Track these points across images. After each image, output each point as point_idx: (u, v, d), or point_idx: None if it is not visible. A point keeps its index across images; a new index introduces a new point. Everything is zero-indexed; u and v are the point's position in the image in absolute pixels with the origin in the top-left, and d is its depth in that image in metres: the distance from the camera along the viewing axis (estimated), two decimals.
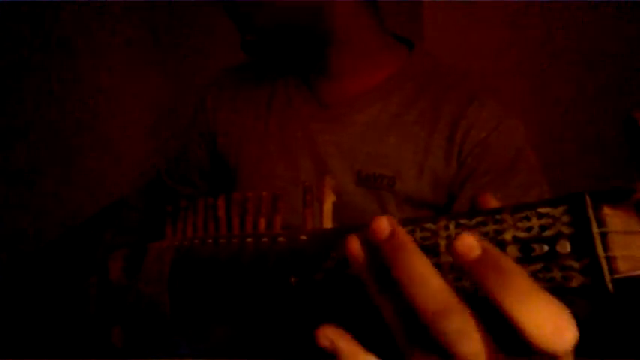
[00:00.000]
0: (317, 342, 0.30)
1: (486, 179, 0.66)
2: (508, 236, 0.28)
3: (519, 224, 0.27)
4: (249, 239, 0.41)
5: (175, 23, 1.46)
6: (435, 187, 0.69)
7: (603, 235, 0.25)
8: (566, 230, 0.26)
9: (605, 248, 0.25)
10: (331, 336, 0.30)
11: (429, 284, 0.26)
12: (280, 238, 0.39)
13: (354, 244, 0.30)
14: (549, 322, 0.23)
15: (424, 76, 0.74)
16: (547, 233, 0.26)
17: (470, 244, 0.25)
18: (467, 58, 1.30)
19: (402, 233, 0.28)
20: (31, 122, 1.18)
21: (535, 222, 0.27)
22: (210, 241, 0.44)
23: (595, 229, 0.25)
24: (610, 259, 0.25)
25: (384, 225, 0.28)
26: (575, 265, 0.25)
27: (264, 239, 0.40)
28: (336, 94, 0.76)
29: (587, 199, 0.26)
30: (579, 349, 0.24)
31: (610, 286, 0.24)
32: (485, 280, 0.24)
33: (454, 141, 0.68)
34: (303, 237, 0.38)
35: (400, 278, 0.26)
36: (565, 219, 0.26)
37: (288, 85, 0.81)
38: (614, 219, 0.25)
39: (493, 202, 0.32)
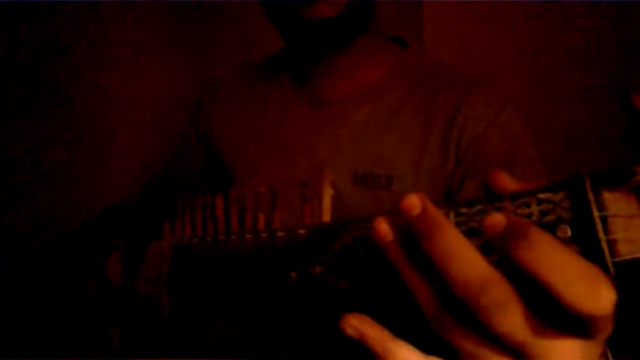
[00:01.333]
0: (343, 332, 0.30)
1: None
2: None
3: (519, 210, 0.27)
4: (249, 235, 0.41)
5: (178, 23, 1.46)
6: (433, 185, 0.68)
7: (604, 219, 0.25)
8: (566, 215, 0.26)
9: (606, 232, 0.25)
10: (356, 324, 0.30)
11: (465, 259, 0.25)
12: (279, 233, 0.39)
13: (382, 225, 0.29)
14: (581, 281, 0.23)
15: (418, 73, 0.74)
16: (548, 219, 0.26)
17: (496, 220, 0.25)
18: (467, 58, 1.30)
19: (433, 209, 0.27)
20: (31, 122, 1.18)
21: (535, 208, 0.27)
22: (209, 239, 0.44)
23: (595, 213, 0.25)
24: (611, 243, 0.24)
25: (414, 202, 0.27)
26: (576, 249, 0.25)
27: (264, 235, 0.40)
28: (330, 93, 0.76)
29: (587, 183, 0.25)
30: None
31: (611, 269, 0.24)
32: (514, 248, 0.24)
33: (450, 137, 0.68)
34: (302, 231, 0.38)
35: (435, 255, 0.26)
36: (565, 204, 0.26)
37: (283, 85, 0.80)
38: (614, 202, 0.25)
39: (507, 180, 0.31)
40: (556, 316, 0.24)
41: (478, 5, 1.40)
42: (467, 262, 0.25)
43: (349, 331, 0.30)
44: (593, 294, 0.22)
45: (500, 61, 1.38)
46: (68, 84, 1.27)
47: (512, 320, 0.24)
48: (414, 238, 0.27)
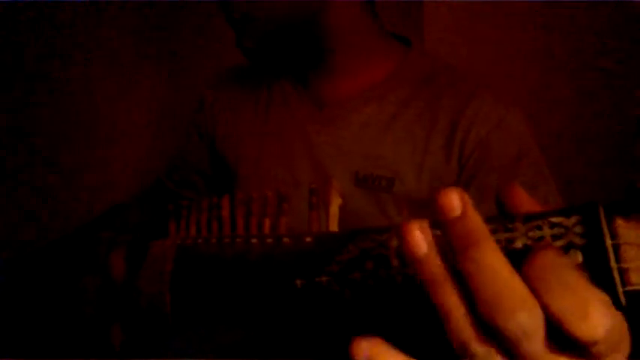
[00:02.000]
0: (352, 358, 0.26)
1: (491, 178, 0.65)
2: (519, 244, 0.27)
3: (531, 233, 0.27)
4: (254, 240, 0.41)
5: (176, 23, 1.45)
6: (435, 188, 0.69)
7: (616, 247, 0.25)
8: (578, 241, 0.26)
9: (618, 260, 0.25)
10: (369, 351, 0.26)
11: (500, 280, 0.23)
12: (285, 239, 0.39)
13: (415, 232, 0.25)
14: (575, 304, 0.22)
15: (421, 75, 0.74)
16: (559, 243, 0.26)
17: None
18: (467, 58, 1.30)
19: (474, 214, 0.24)
20: (31, 123, 1.17)
21: (547, 231, 0.27)
22: (214, 240, 0.44)
23: (608, 241, 0.25)
24: (622, 271, 0.25)
25: (455, 202, 0.23)
26: (587, 276, 0.25)
27: (269, 240, 0.40)
28: (332, 93, 0.75)
29: (601, 210, 0.26)
30: None
31: (623, 298, 0.24)
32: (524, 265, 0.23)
33: (454, 140, 0.68)
34: (309, 239, 0.38)
35: (468, 269, 0.23)
36: (578, 229, 0.26)
37: (284, 86, 0.80)
38: (627, 231, 0.25)
39: (522, 196, 0.30)
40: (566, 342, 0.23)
41: (478, 5, 1.40)
42: (502, 282, 0.23)
43: (360, 357, 0.26)
44: (584, 318, 0.22)
45: (500, 61, 1.39)
46: (69, 86, 1.26)
47: (536, 346, 0.23)
48: (447, 242, 0.24)
